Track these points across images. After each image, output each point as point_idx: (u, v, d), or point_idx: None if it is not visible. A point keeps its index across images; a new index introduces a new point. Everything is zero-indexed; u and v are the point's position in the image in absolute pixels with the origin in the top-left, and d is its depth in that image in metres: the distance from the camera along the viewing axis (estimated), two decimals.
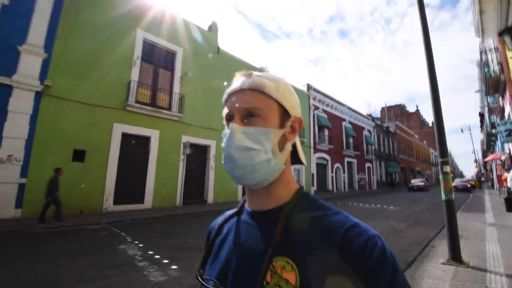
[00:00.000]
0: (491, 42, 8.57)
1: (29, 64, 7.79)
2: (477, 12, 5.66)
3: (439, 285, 3.05)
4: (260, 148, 0.48)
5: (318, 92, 21.02)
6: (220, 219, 0.62)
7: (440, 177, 4.16)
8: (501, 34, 6.38)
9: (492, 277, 3.26)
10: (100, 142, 8.88)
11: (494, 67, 7.34)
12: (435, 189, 25.93)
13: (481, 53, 9.83)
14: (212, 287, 0.49)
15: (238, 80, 0.53)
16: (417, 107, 74.69)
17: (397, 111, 68.93)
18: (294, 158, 0.59)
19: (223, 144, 0.51)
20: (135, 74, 9.95)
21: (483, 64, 9.25)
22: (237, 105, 0.50)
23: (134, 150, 9.82)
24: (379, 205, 11.66)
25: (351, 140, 25.15)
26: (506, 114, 8.50)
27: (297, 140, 0.58)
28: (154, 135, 10.24)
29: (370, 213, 9.18)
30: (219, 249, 0.55)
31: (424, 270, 3.54)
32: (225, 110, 0.53)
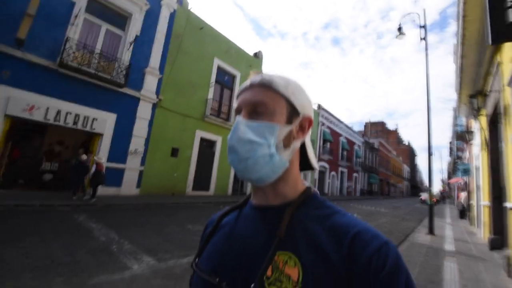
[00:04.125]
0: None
1: (150, 82, 10.73)
2: (457, 86, 9.41)
3: (425, 239, 6.85)
4: (264, 142, 0.48)
5: (325, 110, 24.98)
6: (220, 212, 0.61)
7: (427, 195, 8.01)
8: (471, 97, 10.29)
9: (445, 239, 7.13)
10: (187, 143, 11.98)
11: (461, 125, 11.50)
12: (411, 199, 31.10)
13: (455, 108, 14.02)
14: (208, 276, 0.48)
15: (249, 79, 0.54)
16: (396, 125, 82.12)
17: (378, 127, 75.43)
18: (304, 162, 0.58)
19: (228, 136, 0.51)
20: (211, 93, 13.09)
21: (456, 116, 13.50)
22: (245, 100, 0.51)
23: (206, 150, 12.99)
24: (373, 208, 15.74)
25: (345, 153, 29.48)
26: (465, 157, 12.78)
27: (308, 142, 0.57)
28: (218, 140, 13.45)
29: (371, 213, 13.09)
30: (218, 240, 0.55)
31: (417, 236, 7.33)
32: (235, 106, 0.54)
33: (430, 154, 7.93)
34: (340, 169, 28.04)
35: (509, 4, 1.57)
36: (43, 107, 7.86)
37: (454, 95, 8.78)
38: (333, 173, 26.52)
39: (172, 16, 11.54)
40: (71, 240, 4.04)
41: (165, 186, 11.03)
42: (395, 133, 78.88)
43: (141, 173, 10.32)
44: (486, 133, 6.18)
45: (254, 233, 0.50)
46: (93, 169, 7.91)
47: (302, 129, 0.53)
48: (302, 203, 0.49)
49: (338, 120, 27.86)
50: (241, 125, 0.49)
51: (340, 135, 28.52)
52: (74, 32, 8.50)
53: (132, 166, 10.02)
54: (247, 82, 0.53)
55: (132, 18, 10.11)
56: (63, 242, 3.89)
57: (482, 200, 7.32)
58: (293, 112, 0.51)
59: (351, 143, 31.32)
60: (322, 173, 24.78)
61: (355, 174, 32.33)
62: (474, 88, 6.70)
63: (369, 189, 38.13)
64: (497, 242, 5.77)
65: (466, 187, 14.93)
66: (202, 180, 12.59)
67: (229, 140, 0.50)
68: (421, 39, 9.16)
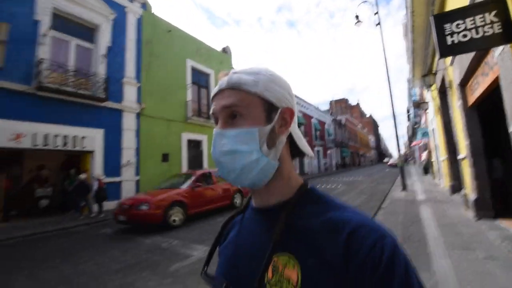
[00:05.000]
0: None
1: (130, 92, 10.71)
2: (411, 65, 10.98)
3: (401, 195, 8.27)
4: (246, 149, 0.46)
5: (296, 96, 26.19)
6: (228, 217, 0.62)
7: (392, 160, 9.46)
8: (423, 76, 12.03)
9: (416, 193, 8.65)
10: (176, 147, 12.24)
11: (416, 95, 13.29)
12: (380, 166, 34.27)
13: (409, 81, 16.01)
14: (218, 283, 0.49)
15: (219, 81, 0.51)
16: (358, 100, 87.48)
17: (342, 104, 79.85)
18: (295, 149, 0.55)
19: (211, 150, 0.50)
20: (189, 95, 13.32)
21: (410, 89, 15.41)
22: (217, 106, 0.49)
23: (194, 150, 13.33)
24: (351, 178, 17.50)
25: (318, 133, 31.33)
26: (422, 121, 14.94)
27: (295, 131, 0.54)
28: (204, 138, 13.84)
29: (351, 183, 14.66)
30: (226, 245, 0.56)
31: (394, 194, 8.75)
32: (211, 112, 0.52)
33: (396, 129, 9.34)
34: (316, 148, 29.87)
35: (447, 32, 2.46)
36: (29, 133, 7.69)
37: (406, 66, 10.17)
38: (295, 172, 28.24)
39: (139, 22, 11.44)
40: (119, 248, 4.50)
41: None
42: (357, 107, 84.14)
43: (137, 183, 10.49)
44: (438, 101, 7.57)
45: (255, 236, 0.50)
46: (95, 186, 8.03)
47: (285, 122, 0.50)
48: (298, 200, 0.48)
49: (308, 103, 29.39)
50: (219, 137, 0.48)
51: (311, 117, 30.16)
52: (44, 52, 8.25)
53: (127, 178, 10.14)
54: (217, 86, 0.51)
55: (100, 29, 9.92)
56: (115, 251, 4.35)
57: (441, 156, 8.92)
58: (270, 108, 0.49)
59: (322, 123, 33.27)
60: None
61: (329, 151, 34.59)
62: (424, 66, 8.04)
63: (343, 162, 41.02)
64: (456, 187, 7.28)
65: (426, 147, 17.28)
66: None
67: (212, 155, 0.49)
68: (376, 24, 10.39)
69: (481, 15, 2.34)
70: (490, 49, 2.82)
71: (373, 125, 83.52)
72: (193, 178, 7.84)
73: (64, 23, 9.09)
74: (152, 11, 12.25)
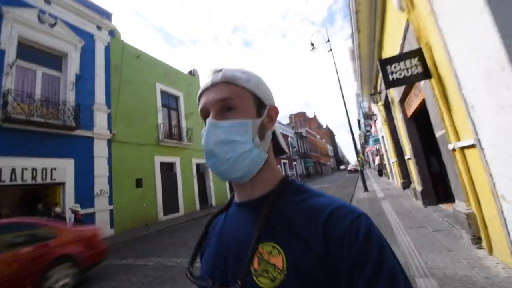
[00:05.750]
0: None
1: (100, 119, 10.54)
2: (359, 84, 12.93)
3: (364, 195, 9.56)
4: (240, 139, 0.49)
5: None
6: (209, 217, 0.63)
7: (349, 166, 10.90)
8: (371, 94, 14.09)
9: (376, 192, 10.05)
10: (149, 171, 12.11)
11: (365, 108, 15.43)
12: (340, 173, 37.02)
13: (358, 95, 18.59)
14: (202, 282, 0.49)
15: (209, 77, 0.53)
16: (314, 113, 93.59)
17: (300, 117, 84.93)
18: (275, 148, 0.60)
19: (202, 141, 0.51)
20: (160, 118, 13.43)
21: (360, 102, 17.75)
22: (210, 99, 0.51)
23: (167, 173, 13.27)
24: (318, 186, 18.90)
25: None
26: (372, 130, 17.50)
27: (277, 129, 0.59)
28: (177, 160, 13.90)
29: (320, 189, 15.93)
30: (208, 245, 0.57)
31: (358, 195, 10.03)
32: (199, 108, 0.54)
33: (353, 138, 10.84)
34: (282, 161, 31.33)
35: (388, 72, 3.54)
36: None
37: (352, 79, 11.96)
38: (277, 166, 29.50)
39: (107, 49, 11.50)
40: (127, 272, 4.62)
41: (137, 218, 11.02)
42: (314, 119, 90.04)
43: (111, 212, 10.13)
44: (384, 114, 9.16)
45: (239, 230, 0.51)
46: (71, 219, 7.68)
47: (271, 118, 0.55)
48: (280, 191, 0.50)
49: None
50: (214, 128, 0.49)
51: None
52: (10, 82, 7.93)
53: (101, 208, 9.76)
54: (207, 81, 0.52)
55: (68, 57, 9.79)
56: (121, 275, 4.47)
57: (391, 158, 10.56)
58: (260, 104, 0.53)
59: (285, 136, 35.15)
60: None
61: (294, 163, 36.45)
62: (370, 84, 9.70)
63: (307, 172, 43.34)
64: (406, 183, 8.77)
65: (378, 152, 19.70)
66: (170, 203, 12.89)
67: (205, 145, 0.50)
68: (328, 51, 12.11)
69: (409, 60, 3.45)
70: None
71: (330, 135, 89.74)
72: None
73: (31, 52, 8.85)
74: (121, 38, 12.40)
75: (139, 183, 11.54)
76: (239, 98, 0.50)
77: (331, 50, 12.01)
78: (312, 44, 12.38)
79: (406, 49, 3.93)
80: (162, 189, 12.57)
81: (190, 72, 17.80)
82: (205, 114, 0.53)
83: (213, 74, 0.53)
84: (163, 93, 14.17)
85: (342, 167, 55.24)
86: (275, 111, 0.56)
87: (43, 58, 9.25)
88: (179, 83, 15.58)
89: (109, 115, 10.90)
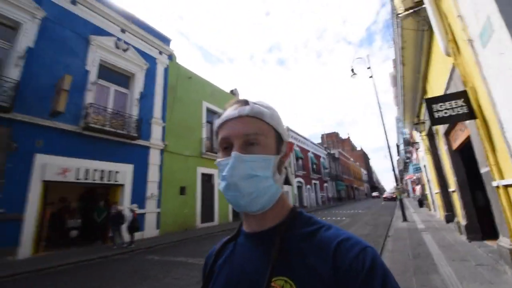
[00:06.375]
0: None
1: (156, 131, 11.96)
2: (401, 111, 12.84)
3: (403, 225, 9.33)
4: (263, 175, 0.50)
5: (293, 131, 28.10)
6: (217, 245, 0.63)
7: (387, 194, 10.70)
8: (414, 124, 13.80)
9: (416, 223, 9.73)
10: (192, 180, 13.18)
11: (406, 134, 15.09)
12: (373, 200, 35.29)
13: (398, 119, 18.05)
14: None
15: (234, 107, 0.55)
16: (348, 134, 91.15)
17: (333, 138, 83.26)
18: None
19: (224, 173, 0.51)
20: (204, 133, 14.66)
21: (400, 128, 17.34)
22: (236, 132, 0.52)
23: (207, 184, 14.25)
24: (352, 211, 18.43)
25: (314, 166, 32.73)
26: (413, 157, 16.77)
27: (287, 163, 0.61)
28: (215, 173, 14.85)
29: (353, 215, 15.59)
30: (218, 274, 0.56)
31: (396, 224, 9.79)
32: (221, 137, 0.54)
33: (393, 163, 10.75)
34: (313, 181, 30.99)
35: (434, 110, 3.89)
36: (73, 168, 8.62)
37: (390, 101, 11.89)
38: (308, 186, 29.25)
39: (166, 70, 13.18)
40: (185, 267, 5.30)
41: (178, 223, 11.96)
42: (348, 141, 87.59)
43: (158, 215, 11.19)
44: (427, 143, 9.08)
45: (250, 262, 0.52)
46: (130, 217, 8.76)
47: (286, 154, 0.58)
48: (290, 223, 0.52)
49: (304, 138, 31.25)
50: (239, 161, 0.50)
51: (308, 151, 31.79)
52: (91, 97, 9.58)
53: (150, 210, 10.88)
54: (233, 112, 0.53)
55: (135, 77, 11.49)
56: (181, 269, 5.15)
57: (434, 189, 10.21)
58: (279, 140, 0.55)
59: (317, 157, 34.89)
60: (299, 188, 27.29)
61: (325, 184, 35.71)
62: (413, 113, 9.73)
63: (338, 195, 41.94)
64: (450, 217, 8.45)
65: (419, 181, 18.74)
66: (207, 212, 13.73)
67: (227, 178, 0.50)
68: (369, 77, 12.39)
69: (454, 101, 3.78)
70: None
71: (364, 158, 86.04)
72: None
73: (107, 72, 10.62)
74: (177, 61, 14.11)
75: (182, 190, 12.59)
76: (264, 134, 0.52)
77: (372, 77, 12.28)
78: (352, 70, 12.78)
79: (451, 89, 4.25)
80: (202, 198, 13.48)
81: (232, 92, 19.14)
82: (226, 144, 0.53)
83: (238, 105, 0.55)
84: (208, 110, 15.51)
85: (374, 193, 51.67)
86: (290, 147, 0.59)
87: (116, 77, 10.99)
88: (222, 101, 16.89)
89: (163, 128, 12.31)
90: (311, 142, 33.64)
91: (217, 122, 0.57)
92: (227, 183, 0.50)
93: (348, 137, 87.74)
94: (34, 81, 8.19)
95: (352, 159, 62.73)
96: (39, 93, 8.23)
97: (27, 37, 8.30)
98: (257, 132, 0.51)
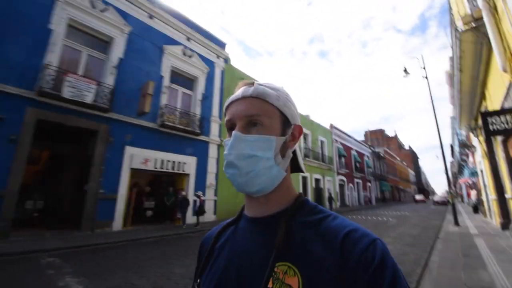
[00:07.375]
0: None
1: (214, 128, 13.50)
2: (457, 112, 12.34)
3: (454, 229, 9.32)
4: (263, 155, 0.50)
5: (337, 129, 27.92)
6: (217, 228, 0.62)
7: (438, 197, 10.55)
8: (471, 128, 13.18)
9: (469, 228, 9.58)
10: None
11: (462, 136, 14.32)
12: (419, 204, 33.33)
13: (454, 118, 17.03)
14: None
15: (240, 89, 0.55)
16: (395, 132, 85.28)
17: (378, 135, 78.63)
18: (294, 165, 0.60)
19: (225, 152, 0.52)
20: None
21: (455, 128, 16.39)
22: (239, 112, 0.52)
23: None
24: (398, 212, 18.10)
25: (357, 164, 32.08)
26: (469, 160, 15.69)
27: (297, 148, 0.59)
28: None
29: (400, 217, 15.42)
30: (217, 257, 0.55)
31: (447, 228, 9.76)
32: (226, 118, 0.55)
33: (446, 169, 10.58)
34: (355, 180, 30.48)
35: (489, 122, 4.27)
36: (152, 159, 10.47)
37: (445, 93, 11.58)
38: (350, 185, 28.94)
39: (222, 73, 14.61)
40: None
41: (231, 211, 13.39)
42: (395, 139, 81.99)
43: (215, 202, 12.77)
44: (485, 148, 8.88)
45: (252, 246, 0.51)
46: (198, 202, 10.36)
47: (294, 137, 0.56)
48: (295, 210, 0.51)
49: (347, 135, 30.76)
50: (239, 141, 0.50)
51: (351, 149, 31.26)
52: (165, 99, 11.36)
53: (209, 197, 12.49)
54: (238, 93, 0.54)
55: (198, 80, 13.09)
56: None
57: (490, 195, 9.88)
58: (285, 122, 0.54)
59: (361, 155, 34.01)
60: (341, 186, 27.21)
61: (368, 184, 34.72)
62: (470, 115, 9.51)
63: (382, 196, 40.31)
64: (506, 224, 8.27)
65: (474, 186, 17.51)
66: None
67: (227, 156, 0.51)
68: (423, 77, 12.15)
69: (509, 115, 4.15)
70: None
71: (412, 158, 79.99)
72: None
73: (177, 77, 12.34)
74: (231, 63, 15.45)
75: None
76: (267, 115, 0.51)
77: (426, 77, 12.03)
78: (405, 71, 12.63)
79: (507, 104, 4.55)
80: None
81: None
82: (231, 125, 0.54)
83: (244, 87, 0.55)
84: None
85: (418, 197, 44.04)
86: (299, 131, 0.57)
87: (183, 81, 12.69)
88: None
89: (220, 126, 13.81)
90: (355, 140, 32.89)
91: (225, 104, 0.57)
92: (227, 161, 0.51)
93: (395, 135, 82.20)
94: (124, 86, 10.09)
95: (398, 158, 59.05)
96: (128, 96, 10.11)
97: (118, 49, 10.21)
98: (259, 113, 0.51)
